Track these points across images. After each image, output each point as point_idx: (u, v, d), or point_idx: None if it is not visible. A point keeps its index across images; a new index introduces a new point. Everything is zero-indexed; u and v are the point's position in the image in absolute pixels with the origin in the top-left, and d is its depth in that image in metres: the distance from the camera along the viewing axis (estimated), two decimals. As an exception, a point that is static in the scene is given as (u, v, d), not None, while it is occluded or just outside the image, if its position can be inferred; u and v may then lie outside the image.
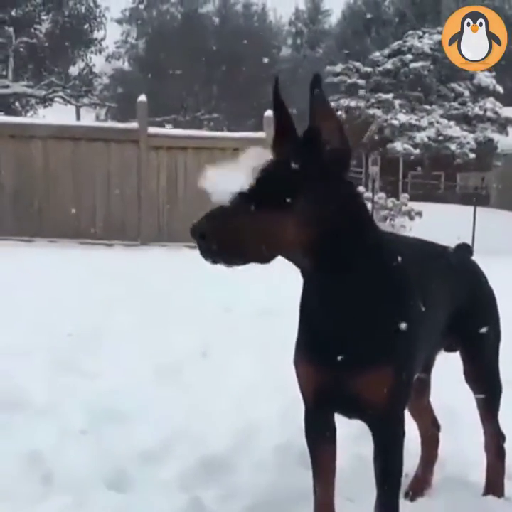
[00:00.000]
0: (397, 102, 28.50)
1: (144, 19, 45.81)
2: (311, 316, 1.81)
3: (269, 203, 1.57)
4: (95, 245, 11.17)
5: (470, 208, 18.42)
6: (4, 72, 31.07)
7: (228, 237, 1.56)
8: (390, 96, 28.58)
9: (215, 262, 1.60)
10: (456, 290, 2.21)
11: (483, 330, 2.31)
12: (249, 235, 1.57)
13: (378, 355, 1.74)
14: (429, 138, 27.38)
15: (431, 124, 27.78)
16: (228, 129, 29.78)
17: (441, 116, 28.34)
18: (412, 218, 16.98)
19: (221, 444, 2.70)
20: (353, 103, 28.97)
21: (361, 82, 30.05)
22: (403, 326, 1.76)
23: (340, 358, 1.74)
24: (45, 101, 31.66)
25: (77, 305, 5.29)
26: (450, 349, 2.28)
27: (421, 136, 27.26)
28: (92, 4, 34.95)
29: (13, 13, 31.60)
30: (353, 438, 2.40)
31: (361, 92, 29.39)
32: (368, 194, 18.36)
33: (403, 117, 27.81)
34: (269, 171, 1.60)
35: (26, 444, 2.60)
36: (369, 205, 17.17)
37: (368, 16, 44.33)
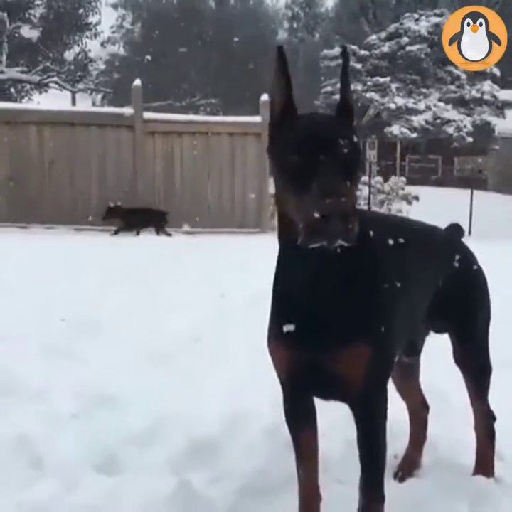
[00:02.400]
0: (393, 86, 28.42)
1: (140, 4, 45.42)
2: (286, 295, 1.79)
3: (353, 178, 1.60)
4: (91, 231, 11.16)
5: (467, 192, 18.43)
6: (-2, 58, 30.81)
7: (351, 215, 1.49)
8: (386, 79, 28.49)
9: (335, 244, 1.51)
10: (442, 269, 2.20)
11: (473, 311, 2.31)
12: (351, 212, 1.51)
13: (353, 333, 1.72)
14: (426, 121, 27.33)
15: (428, 107, 27.71)
16: (224, 114, 29.66)
17: (438, 99, 28.27)
18: (409, 202, 16.95)
19: (211, 428, 2.71)
20: (349, 87, 28.88)
21: (358, 65, 29.92)
22: (376, 303, 1.75)
23: (315, 338, 1.73)
24: (40, 86, 31.42)
25: (72, 290, 5.28)
26: (439, 330, 2.27)
27: (418, 120, 27.20)
28: (86, -12, 34.57)
29: (7, -3, 31.26)
30: (342, 421, 2.39)
31: (358, 75, 29.22)
32: (365, 178, 18.33)
33: (400, 101, 27.75)
34: (350, 145, 1.60)
35: (16, 428, 2.60)
36: (366, 190, 17.22)
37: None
